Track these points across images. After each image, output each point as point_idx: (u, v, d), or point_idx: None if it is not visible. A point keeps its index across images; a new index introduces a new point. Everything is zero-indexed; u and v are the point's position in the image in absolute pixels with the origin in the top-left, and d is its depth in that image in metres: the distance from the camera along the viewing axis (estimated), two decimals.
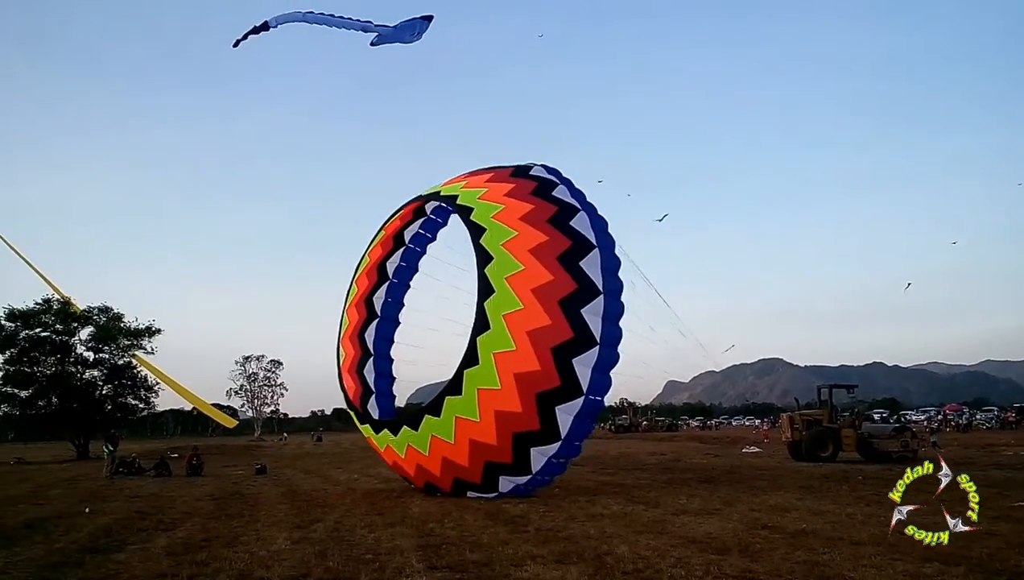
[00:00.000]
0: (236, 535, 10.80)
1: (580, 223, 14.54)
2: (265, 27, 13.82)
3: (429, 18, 14.92)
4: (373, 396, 18.24)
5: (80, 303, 41.71)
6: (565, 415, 13.63)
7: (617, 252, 14.84)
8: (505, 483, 14.36)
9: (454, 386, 14.04)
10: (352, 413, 17.91)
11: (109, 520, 12.90)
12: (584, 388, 13.60)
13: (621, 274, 14.68)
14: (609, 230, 15.02)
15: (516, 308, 13.58)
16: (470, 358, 13.83)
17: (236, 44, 13.73)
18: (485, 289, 13.95)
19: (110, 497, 17.35)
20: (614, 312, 14.13)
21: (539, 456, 13.98)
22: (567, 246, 14.04)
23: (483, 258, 14.22)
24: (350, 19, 14.29)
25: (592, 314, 13.68)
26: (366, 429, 16.94)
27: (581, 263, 13.94)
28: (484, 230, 14.51)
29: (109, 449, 25.14)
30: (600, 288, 13.90)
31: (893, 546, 8.71)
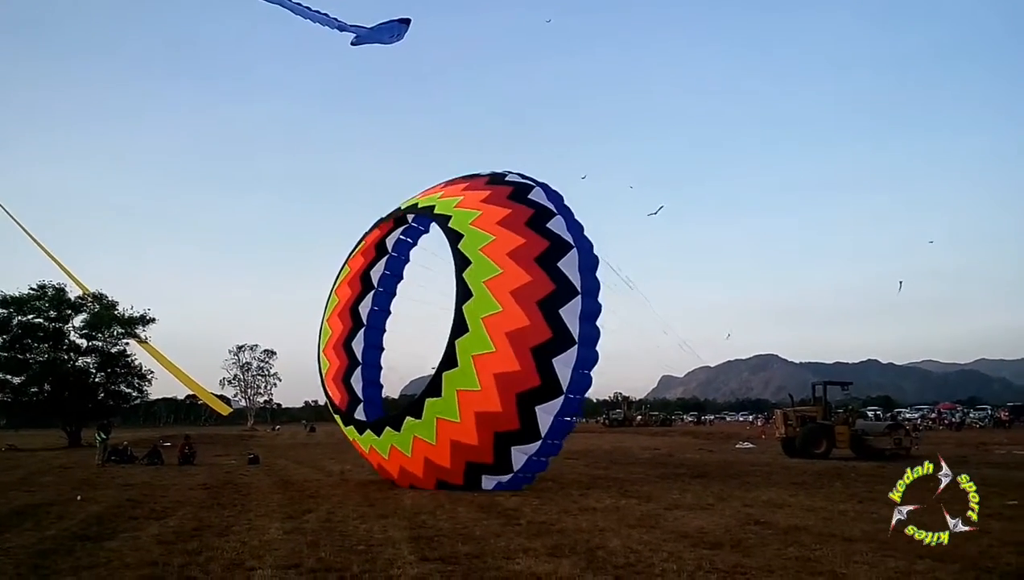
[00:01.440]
0: (228, 524, 10.76)
1: (557, 225, 14.74)
2: None
3: (407, 21, 14.83)
4: (361, 405, 18.30)
5: (73, 291, 41.62)
6: (545, 414, 13.80)
7: (606, 251, 14.99)
8: (487, 482, 14.46)
9: (433, 388, 14.15)
10: (336, 416, 17.98)
11: (101, 508, 12.87)
12: (564, 387, 13.76)
13: (610, 273, 14.84)
14: (586, 233, 15.17)
15: (494, 311, 13.71)
16: (449, 360, 13.95)
17: None
18: (463, 293, 14.10)
19: (102, 485, 17.32)
20: (592, 311, 14.34)
21: (520, 455, 14.12)
22: (545, 247, 14.21)
23: (461, 263, 14.37)
24: (326, 15, 14.17)
25: (570, 314, 13.86)
26: (350, 431, 17.02)
27: (559, 264, 14.13)
28: (462, 236, 14.65)
29: (101, 437, 25.11)
30: (578, 288, 14.10)
31: (885, 543, 8.72)
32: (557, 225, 14.71)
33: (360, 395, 18.40)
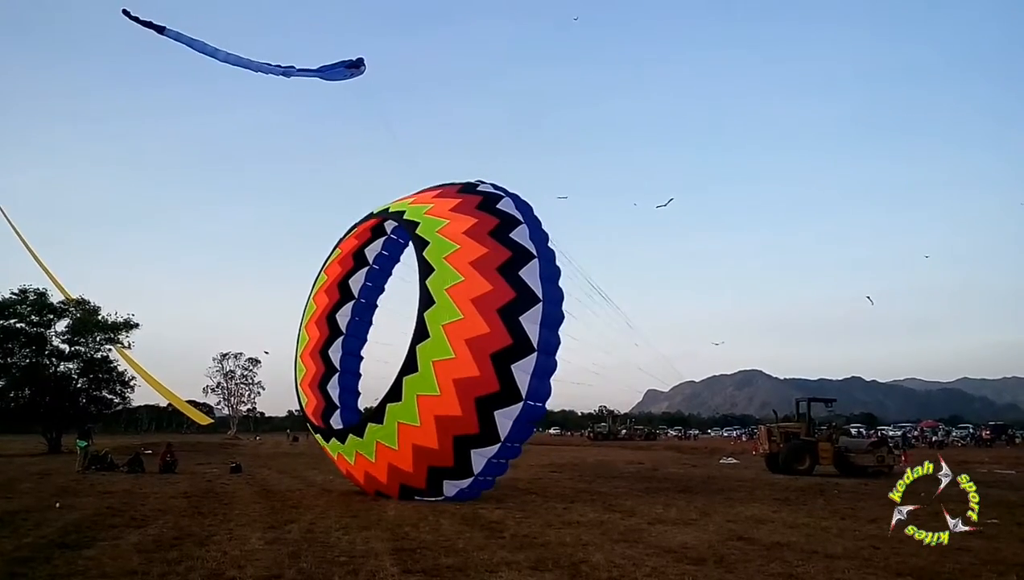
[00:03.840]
0: (209, 534, 10.68)
1: (521, 235, 15.05)
2: (160, 30, 13.76)
3: (356, 65, 15.05)
4: (337, 411, 18.45)
5: (56, 296, 41.18)
6: (504, 419, 14.03)
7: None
8: (449, 487, 14.67)
9: (394, 393, 14.35)
10: (308, 423, 18.18)
11: (80, 516, 12.72)
12: (523, 393, 14.02)
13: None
14: (550, 244, 15.48)
15: (455, 318, 13.99)
16: (409, 365, 14.20)
17: (127, 14, 13.48)
18: (426, 300, 14.37)
19: (81, 492, 17.12)
20: (553, 319, 14.58)
21: (479, 458, 14.30)
22: (507, 257, 14.52)
23: (425, 270, 14.68)
24: (267, 64, 14.34)
25: (530, 321, 14.17)
26: (319, 438, 17.29)
27: (520, 272, 14.44)
28: (428, 244, 14.97)
29: (82, 444, 24.82)
30: (539, 296, 14.38)
31: (867, 560, 8.78)
32: (521, 235, 15.02)
33: (336, 401, 18.58)
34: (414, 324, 14.34)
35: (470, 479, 14.52)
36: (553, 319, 14.56)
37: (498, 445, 14.16)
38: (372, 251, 19.00)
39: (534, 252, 14.81)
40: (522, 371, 13.94)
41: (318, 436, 17.23)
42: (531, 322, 14.13)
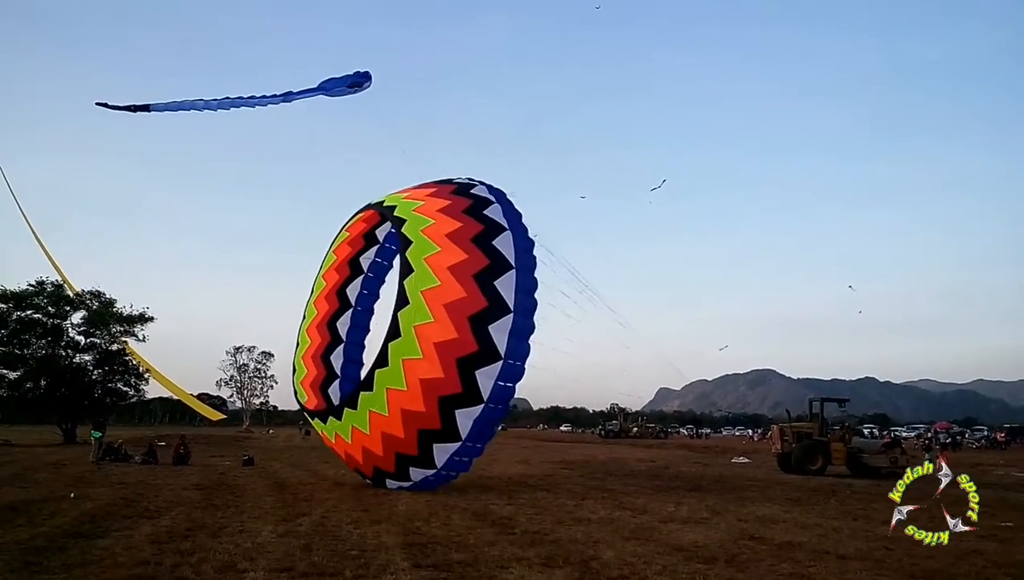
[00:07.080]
0: (221, 526, 10.75)
1: (503, 243, 15.46)
2: (145, 108, 14.07)
3: (360, 83, 15.17)
4: (338, 380, 19.02)
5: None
6: (485, 378, 14.53)
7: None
8: (439, 453, 15.10)
9: (381, 359, 14.96)
10: (304, 412, 18.84)
11: (94, 506, 12.84)
12: (485, 397, 14.55)
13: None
14: (534, 252, 15.86)
15: (427, 320, 14.55)
16: (393, 332, 14.85)
17: (103, 104, 13.87)
18: (401, 300, 14.96)
19: (96, 483, 17.27)
20: (522, 329, 15.07)
21: (465, 420, 14.74)
22: (485, 265, 15.00)
23: (405, 270, 15.23)
24: (264, 96, 14.49)
25: (499, 330, 14.68)
26: (317, 423, 17.68)
27: (496, 282, 14.91)
28: (411, 243, 15.44)
29: (96, 435, 25.02)
30: (511, 306, 14.87)
31: (879, 561, 8.73)
32: (503, 243, 15.40)
33: (338, 372, 19.23)
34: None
35: (458, 443, 14.89)
36: (523, 329, 15.02)
37: (481, 406, 14.59)
38: (367, 259, 19.73)
39: (513, 262, 15.18)
40: (486, 376, 14.46)
41: (316, 421, 17.58)
42: (500, 331, 14.63)
